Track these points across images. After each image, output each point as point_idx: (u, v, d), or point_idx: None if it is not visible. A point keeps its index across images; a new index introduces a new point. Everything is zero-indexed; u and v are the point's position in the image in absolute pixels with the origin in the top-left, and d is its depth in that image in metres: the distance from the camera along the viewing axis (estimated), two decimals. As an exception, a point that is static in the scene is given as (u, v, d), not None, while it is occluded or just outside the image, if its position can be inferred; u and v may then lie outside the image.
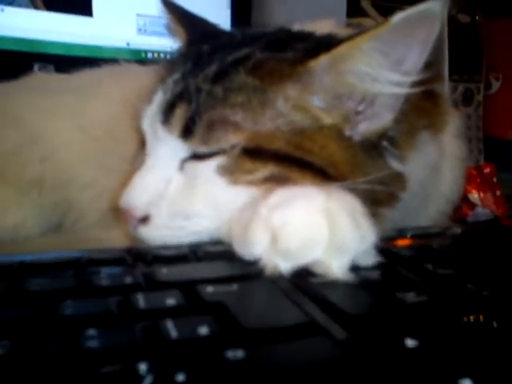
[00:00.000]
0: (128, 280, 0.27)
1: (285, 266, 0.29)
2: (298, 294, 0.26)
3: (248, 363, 0.19)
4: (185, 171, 0.38)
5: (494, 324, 0.23)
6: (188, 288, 0.26)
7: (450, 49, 0.83)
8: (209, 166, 0.37)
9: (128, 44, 0.86)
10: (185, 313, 0.23)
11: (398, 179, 0.39)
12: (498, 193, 0.65)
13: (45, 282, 0.26)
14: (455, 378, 0.18)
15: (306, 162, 0.36)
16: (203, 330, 0.21)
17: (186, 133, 0.37)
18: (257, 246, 0.29)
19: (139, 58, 0.86)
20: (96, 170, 0.55)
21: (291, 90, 0.37)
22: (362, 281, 0.28)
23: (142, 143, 0.43)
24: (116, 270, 0.29)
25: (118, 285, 0.26)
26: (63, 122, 0.57)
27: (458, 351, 0.20)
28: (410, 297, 0.26)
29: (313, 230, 0.29)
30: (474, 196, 0.62)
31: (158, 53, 0.88)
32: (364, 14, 0.93)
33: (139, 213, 0.38)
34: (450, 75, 0.83)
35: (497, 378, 0.19)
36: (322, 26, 0.47)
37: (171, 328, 0.21)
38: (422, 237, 0.37)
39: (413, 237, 0.37)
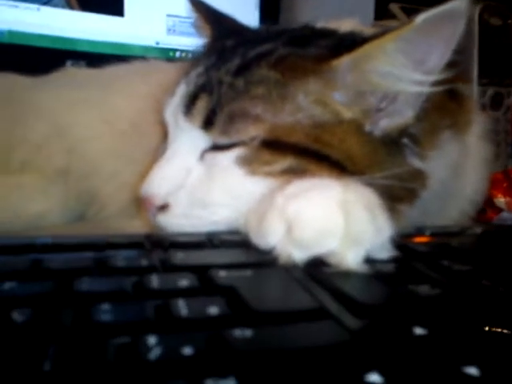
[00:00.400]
0: (144, 263, 0.27)
1: (299, 255, 0.29)
2: (310, 282, 0.26)
3: (255, 341, 0.19)
4: (204, 161, 0.39)
5: (507, 316, 0.23)
6: (201, 272, 0.26)
7: (480, 52, 0.82)
8: (228, 157, 0.37)
9: (157, 43, 0.88)
10: (196, 294, 0.24)
11: (419, 177, 0.39)
12: (525, 198, 0.63)
13: (64, 260, 0.27)
14: (459, 364, 0.18)
15: (324, 154, 0.36)
16: (213, 310, 0.22)
17: (207, 124, 0.38)
18: (272, 236, 0.30)
19: (168, 56, 0.87)
20: (120, 163, 0.56)
21: (313, 86, 0.37)
22: (376, 273, 0.28)
23: (164, 135, 0.44)
24: (133, 253, 0.29)
25: (134, 266, 0.27)
26: (90, 115, 0.58)
27: (467, 341, 0.20)
28: (424, 289, 0.25)
29: (328, 221, 0.29)
30: (500, 200, 0.61)
31: (186, 52, 0.90)
32: (392, 16, 0.92)
33: (158, 201, 0.38)
34: (480, 78, 0.82)
35: (503, 366, 0.19)
36: (345, 25, 0.47)
37: (182, 307, 0.22)
38: (441, 235, 0.36)
39: (432, 235, 0.36)
